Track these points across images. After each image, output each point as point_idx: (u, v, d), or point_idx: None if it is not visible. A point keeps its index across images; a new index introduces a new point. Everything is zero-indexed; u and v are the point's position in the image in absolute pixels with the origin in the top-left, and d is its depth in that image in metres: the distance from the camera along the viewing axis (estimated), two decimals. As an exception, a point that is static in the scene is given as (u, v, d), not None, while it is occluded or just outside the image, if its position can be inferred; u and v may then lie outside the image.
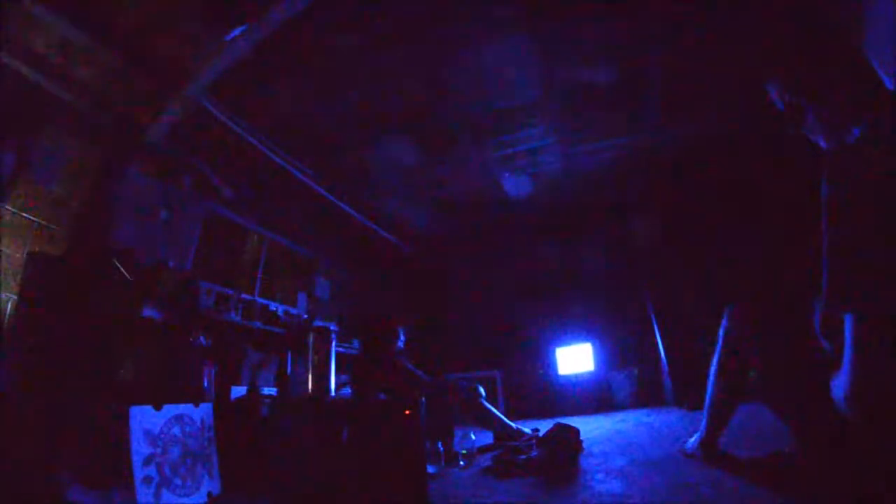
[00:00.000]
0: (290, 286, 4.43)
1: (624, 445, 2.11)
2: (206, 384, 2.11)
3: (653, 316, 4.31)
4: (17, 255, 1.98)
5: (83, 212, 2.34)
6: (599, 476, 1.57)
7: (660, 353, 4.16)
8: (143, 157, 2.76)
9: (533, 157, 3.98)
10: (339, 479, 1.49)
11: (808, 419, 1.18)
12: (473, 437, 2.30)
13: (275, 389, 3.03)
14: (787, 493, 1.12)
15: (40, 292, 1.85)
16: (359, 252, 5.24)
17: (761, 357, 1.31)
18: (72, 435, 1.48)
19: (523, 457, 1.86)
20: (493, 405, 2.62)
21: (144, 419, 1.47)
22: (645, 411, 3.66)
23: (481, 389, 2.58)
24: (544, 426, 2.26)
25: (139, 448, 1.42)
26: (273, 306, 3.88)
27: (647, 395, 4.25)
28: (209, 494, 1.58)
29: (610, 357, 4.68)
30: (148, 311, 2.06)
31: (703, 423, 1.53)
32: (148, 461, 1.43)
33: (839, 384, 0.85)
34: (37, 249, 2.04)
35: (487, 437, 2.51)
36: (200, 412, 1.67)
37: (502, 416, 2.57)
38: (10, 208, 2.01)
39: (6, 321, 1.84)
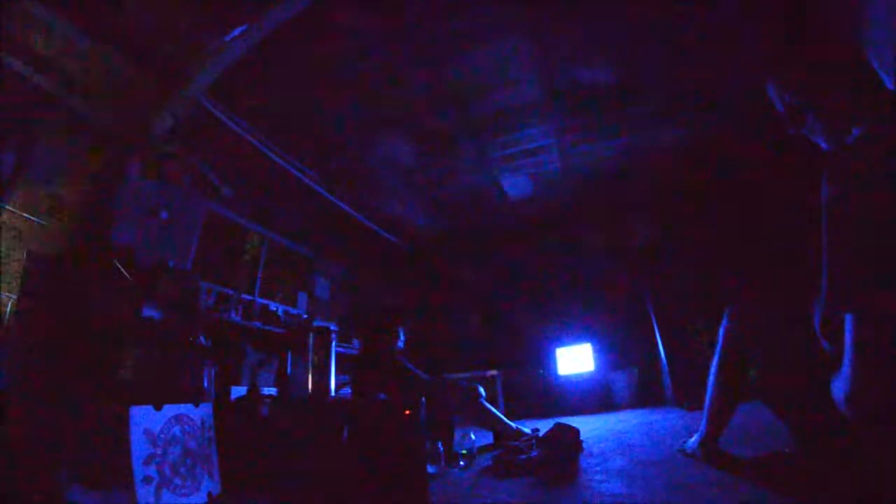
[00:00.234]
0: (290, 286, 4.43)
1: (624, 445, 2.11)
2: (206, 384, 2.11)
3: (653, 316, 4.31)
4: (17, 255, 1.98)
5: (83, 212, 2.34)
6: (599, 476, 1.57)
7: (660, 353, 4.16)
8: (143, 157, 2.76)
9: (533, 157, 3.99)
10: (339, 479, 1.49)
11: (808, 419, 1.18)
12: (473, 437, 2.30)
13: (275, 389, 3.03)
14: (787, 493, 1.12)
15: (40, 292, 1.85)
16: (359, 252, 5.24)
17: (761, 357, 1.31)
18: (72, 435, 1.48)
19: (523, 457, 1.86)
20: (493, 405, 2.62)
21: (144, 419, 1.47)
22: (645, 411, 3.66)
23: (481, 389, 2.58)
24: (544, 426, 2.26)
25: (139, 448, 1.42)
26: (273, 306, 3.89)
27: (647, 395, 4.26)
28: (209, 494, 1.57)
29: (610, 357, 4.69)
30: (148, 311, 2.06)
31: (703, 423, 1.53)
32: (148, 461, 1.43)
33: (839, 384, 0.85)
34: (37, 249, 2.03)
35: (487, 437, 2.51)
36: (200, 412, 1.67)
37: (502, 416, 2.57)
38: (10, 208, 2.01)
39: (6, 321, 1.84)
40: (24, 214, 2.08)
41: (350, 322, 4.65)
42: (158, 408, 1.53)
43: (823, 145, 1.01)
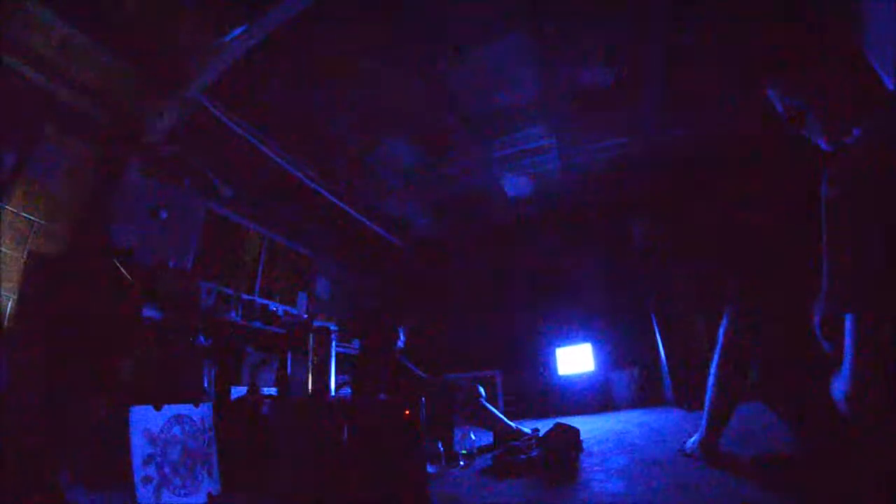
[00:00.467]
0: (290, 286, 4.43)
1: (624, 445, 2.11)
2: (206, 384, 2.11)
3: (653, 316, 4.31)
4: (17, 255, 1.98)
5: (83, 212, 2.34)
6: (599, 476, 1.57)
7: (660, 353, 4.16)
8: (143, 157, 2.76)
9: (533, 157, 3.99)
10: (339, 479, 1.49)
11: (808, 419, 1.18)
12: (473, 437, 2.30)
13: (275, 389, 3.04)
14: (788, 493, 1.12)
15: (40, 292, 1.85)
16: (359, 252, 5.24)
17: (761, 357, 1.31)
18: (72, 435, 1.48)
19: (523, 457, 1.86)
20: (493, 405, 2.62)
21: (144, 419, 1.48)
22: (645, 411, 3.66)
23: (481, 389, 2.58)
24: (544, 426, 2.26)
25: (139, 448, 1.42)
26: (273, 306, 3.89)
27: (647, 395, 4.25)
28: (209, 494, 1.58)
29: (610, 357, 4.68)
30: (148, 311, 2.06)
31: (703, 423, 1.53)
32: (148, 461, 1.43)
33: (839, 384, 0.85)
34: (37, 249, 2.04)
35: (487, 437, 2.51)
36: (200, 412, 1.67)
37: (502, 416, 2.57)
38: (10, 208, 2.01)
39: (6, 321, 1.84)
40: (24, 214, 2.08)
41: (350, 322, 4.65)
42: (158, 408, 1.53)
43: (823, 146, 1.01)
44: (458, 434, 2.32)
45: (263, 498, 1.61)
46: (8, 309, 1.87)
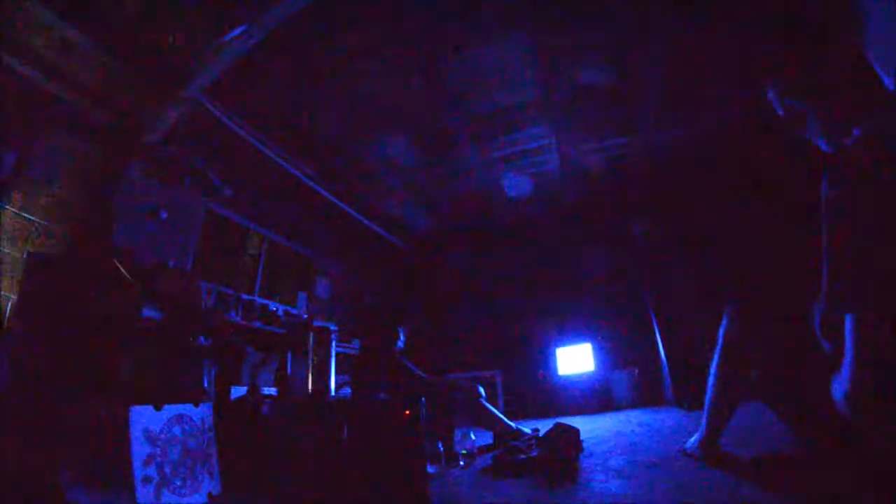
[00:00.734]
0: (290, 286, 4.43)
1: (624, 445, 2.11)
2: (206, 384, 2.11)
3: (653, 316, 4.31)
4: (17, 255, 1.98)
5: (83, 212, 2.34)
6: (599, 476, 1.57)
7: (660, 353, 4.16)
8: (143, 157, 2.76)
9: (533, 157, 3.99)
10: (339, 479, 1.49)
11: (808, 419, 1.18)
12: (473, 437, 2.30)
13: (275, 389, 3.03)
14: (787, 493, 1.12)
15: (40, 292, 1.85)
16: (359, 252, 5.24)
17: (761, 357, 1.31)
18: (72, 435, 1.48)
19: (523, 457, 1.86)
20: (493, 405, 2.62)
21: (144, 419, 1.47)
22: (645, 411, 3.66)
23: (481, 389, 2.58)
24: (544, 426, 2.26)
25: (139, 448, 1.42)
26: (273, 306, 3.89)
27: (647, 395, 4.25)
28: (209, 494, 1.58)
29: (610, 357, 4.68)
30: (148, 311, 2.06)
31: (703, 422, 1.53)
32: (148, 461, 1.43)
33: (839, 384, 0.85)
34: (37, 249, 2.04)
35: (487, 437, 2.51)
36: (200, 412, 1.67)
37: (502, 416, 2.57)
38: (10, 208, 2.01)
39: (6, 321, 1.84)
40: (24, 214, 2.08)
41: (350, 322, 4.65)
42: (158, 408, 1.53)
43: (823, 146, 1.01)
44: (458, 434, 2.32)
45: (263, 498, 1.61)
46: (8, 309, 1.87)
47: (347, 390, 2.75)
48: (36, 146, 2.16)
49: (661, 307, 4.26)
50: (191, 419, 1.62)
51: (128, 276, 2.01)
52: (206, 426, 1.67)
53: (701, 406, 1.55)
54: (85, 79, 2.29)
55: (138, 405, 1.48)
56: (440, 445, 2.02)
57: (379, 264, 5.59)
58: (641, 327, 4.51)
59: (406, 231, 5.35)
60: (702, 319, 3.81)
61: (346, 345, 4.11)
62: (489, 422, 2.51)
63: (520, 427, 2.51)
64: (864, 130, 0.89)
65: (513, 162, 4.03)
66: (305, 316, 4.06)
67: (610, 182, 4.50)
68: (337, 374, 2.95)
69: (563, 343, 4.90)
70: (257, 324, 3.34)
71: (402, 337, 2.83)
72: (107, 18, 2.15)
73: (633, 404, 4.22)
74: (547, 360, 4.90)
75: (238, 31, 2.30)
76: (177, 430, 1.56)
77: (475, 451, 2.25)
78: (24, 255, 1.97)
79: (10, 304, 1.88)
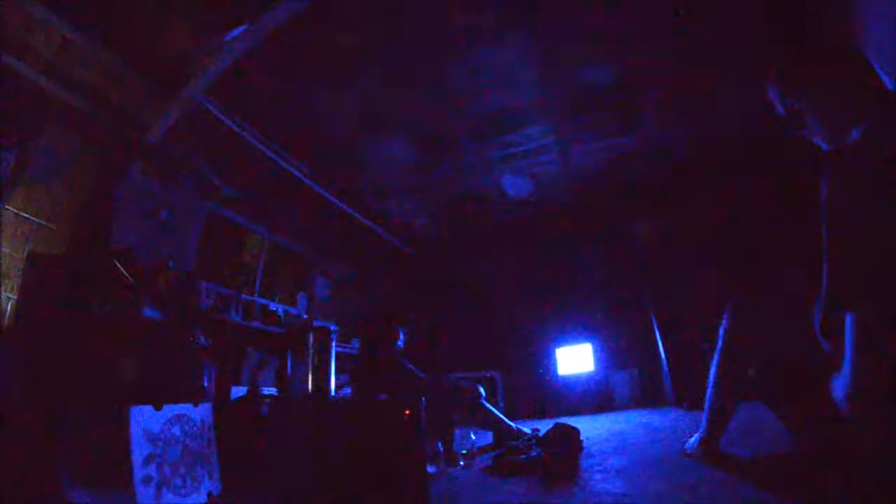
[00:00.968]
0: (290, 286, 4.43)
1: (624, 445, 2.11)
2: (206, 384, 2.11)
3: (653, 316, 4.31)
4: (17, 255, 1.98)
5: (83, 212, 2.34)
6: (599, 476, 1.57)
7: (660, 353, 4.16)
8: (143, 157, 2.76)
9: (533, 157, 3.98)
10: (338, 479, 1.49)
11: (807, 419, 1.18)
12: (473, 437, 2.30)
13: (275, 389, 3.03)
14: (787, 493, 1.12)
15: (40, 292, 1.85)
16: (359, 252, 5.24)
17: (761, 357, 1.31)
18: (72, 435, 1.48)
19: (523, 457, 1.86)
20: (493, 405, 2.62)
21: (144, 419, 1.48)
22: (645, 411, 3.66)
23: (481, 389, 2.58)
24: (544, 426, 2.26)
25: (139, 448, 1.42)
26: (273, 306, 3.89)
27: (647, 395, 4.26)
28: (209, 494, 1.58)
29: (610, 357, 4.68)
30: (148, 311, 2.06)
31: (703, 422, 1.53)
32: (148, 461, 1.44)
33: (839, 384, 0.85)
34: (37, 249, 2.03)
35: (487, 437, 2.51)
36: (200, 412, 1.67)
37: (502, 416, 2.57)
38: (10, 208, 2.01)
39: (6, 321, 1.84)
40: (24, 214, 2.08)
41: (350, 322, 4.65)
42: (158, 408, 1.53)
43: (823, 146, 1.01)
44: (458, 434, 2.32)
45: (263, 498, 1.61)
46: (8, 309, 1.87)
47: (347, 390, 2.75)
48: (36, 146, 2.16)
49: (660, 307, 4.26)
50: (191, 419, 1.62)
51: (128, 276, 2.01)
52: (206, 426, 1.67)
53: (701, 406, 1.55)
54: (85, 79, 2.29)
55: (138, 405, 1.48)
56: (440, 445, 2.02)
57: (379, 264, 5.59)
58: (641, 327, 4.51)
59: (406, 231, 5.35)
60: (701, 319, 3.82)
61: (346, 345, 4.11)
62: (489, 422, 2.51)
63: (520, 427, 2.51)
64: (864, 130, 0.89)
65: (513, 162, 4.03)
66: (305, 316, 4.07)
67: (610, 182, 4.49)
68: (337, 374, 2.95)
69: (563, 343, 4.90)
70: (257, 324, 3.34)
71: (402, 337, 2.83)
72: (107, 19, 2.15)
73: (633, 404, 4.22)
74: (547, 360, 4.90)
75: (238, 31, 2.30)
76: (177, 429, 1.56)
77: (475, 451, 2.25)
78: (24, 255, 1.97)
79: (10, 305, 1.88)
